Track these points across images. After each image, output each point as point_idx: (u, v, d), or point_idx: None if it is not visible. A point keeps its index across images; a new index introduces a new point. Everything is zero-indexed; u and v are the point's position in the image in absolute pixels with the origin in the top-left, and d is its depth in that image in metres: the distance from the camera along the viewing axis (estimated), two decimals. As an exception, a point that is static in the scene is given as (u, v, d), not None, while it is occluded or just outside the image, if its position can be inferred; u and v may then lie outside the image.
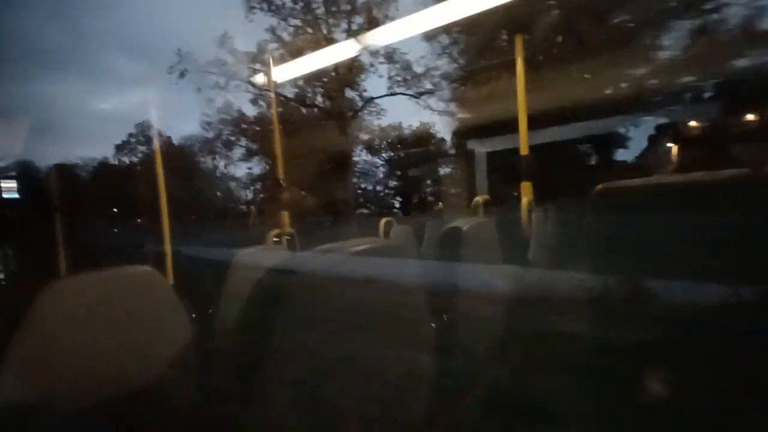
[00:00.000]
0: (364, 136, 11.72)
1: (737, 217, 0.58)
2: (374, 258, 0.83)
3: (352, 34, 9.82)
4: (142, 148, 12.94)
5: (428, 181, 11.71)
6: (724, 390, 0.57)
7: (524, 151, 2.38)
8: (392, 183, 12.71)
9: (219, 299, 1.28)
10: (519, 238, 2.18)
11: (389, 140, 12.02)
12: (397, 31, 2.52)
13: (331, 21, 10.27)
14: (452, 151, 10.37)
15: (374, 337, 0.76)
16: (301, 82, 10.65)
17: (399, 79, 10.58)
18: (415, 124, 11.53)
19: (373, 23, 9.54)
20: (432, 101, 10.38)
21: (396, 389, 0.80)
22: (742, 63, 5.78)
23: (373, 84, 11.41)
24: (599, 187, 0.73)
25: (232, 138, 12.08)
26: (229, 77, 10.60)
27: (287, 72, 2.93)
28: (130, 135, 12.86)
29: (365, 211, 11.98)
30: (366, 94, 11.14)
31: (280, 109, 10.48)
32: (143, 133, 12.67)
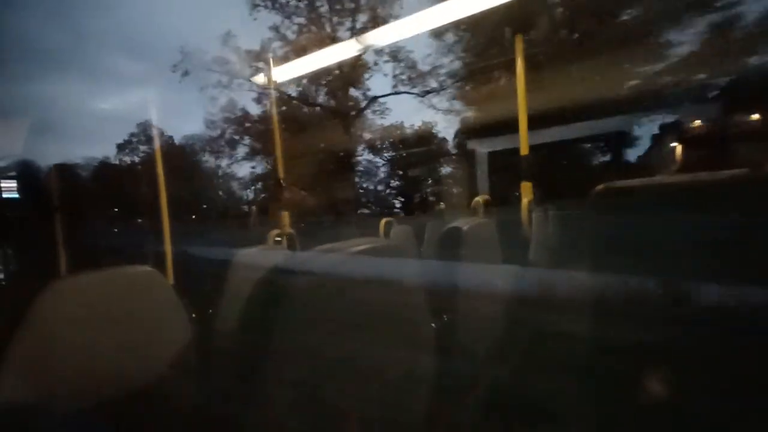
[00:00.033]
0: (366, 136, 11.69)
1: (738, 217, 0.58)
2: (374, 258, 0.83)
3: (355, 32, 9.80)
4: (142, 147, 12.95)
5: (429, 181, 11.70)
6: (724, 390, 0.56)
7: (524, 151, 2.38)
8: (393, 183, 12.69)
9: (219, 299, 1.28)
10: (519, 238, 2.18)
11: (390, 140, 12.00)
12: (398, 30, 2.51)
13: (335, 19, 10.23)
14: (454, 151, 10.35)
15: (374, 337, 0.76)
16: (303, 81, 10.63)
17: (403, 78, 10.56)
18: (417, 124, 11.53)
19: (375, 22, 9.51)
20: (434, 100, 10.36)
21: (396, 389, 0.80)
22: (746, 62, 5.78)
23: (375, 83, 11.38)
24: (599, 187, 0.73)
25: (234, 137, 12.08)
26: (231, 76, 10.60)
27: (288, 71, 2.93)
28: (132, 135, 12.87)
29: (366, 211, 11.95)
30: (367, 93, 11.12)
31: (283, 108, 10.48)
32: (143, 132, 12.69)
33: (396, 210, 12.06)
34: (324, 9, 10.22)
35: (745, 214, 0.58)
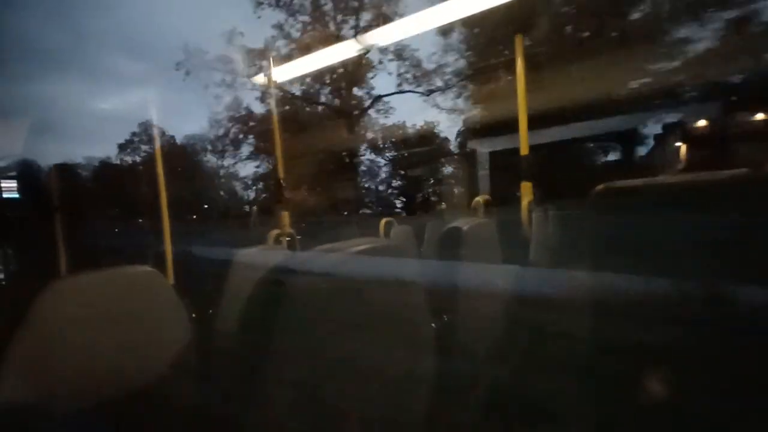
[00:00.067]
0: (369, 135, 11.65)
1: (739, 217, 0.58)
2: (374, 258, 0.82)
3: (358, 30, 9.74)
4: (142, 147, 12.96)
5: (431, 181, 11.66)
6: (724, 390, 0.56)
7: (524, 151, 2.38)
8: (395, 182, 12.66)
9: (219, 299, 1.28)
10: (519, 238, 2.17)
11: (392, 139, 11.96)
12: (400, 29, 2.51)
13: (338, 17, 10.18)
14: (457, 151, 10.31)
15: (374, 337, 0.76)
16: (305, 80, 10.59)
17: (407, 76, 10.50)
18: (420, 123, 11.49)
19: (378, 20, 9.46)
20: (437, 99, 10.31)
21: (396, 389, 0.80)
22: (752, 61, 5.76)
23: (378, 82, 11.32)
24: (600, 187, 0.73)
25: (235, 137, 12.07)
26: (232, 75, 10.59)
27: (290, 70, 2.93)
28: (132, 135, 12.87)
29: (369, 210, 11.90)
30: (372, 93, 11.07)
31: (285, 107, 10.46)
32: (143, 132, 12.69)
33: (398, 210, 12.02)
34: (328, 7, 10.19)
35: (746, 214, 0.58)
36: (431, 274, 1.18)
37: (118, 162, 13.04)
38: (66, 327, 0.78)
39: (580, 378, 0.74)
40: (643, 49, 6.64)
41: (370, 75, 10.89)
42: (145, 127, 12.39)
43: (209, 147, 12.74)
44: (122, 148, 13.07)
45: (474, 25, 8.10)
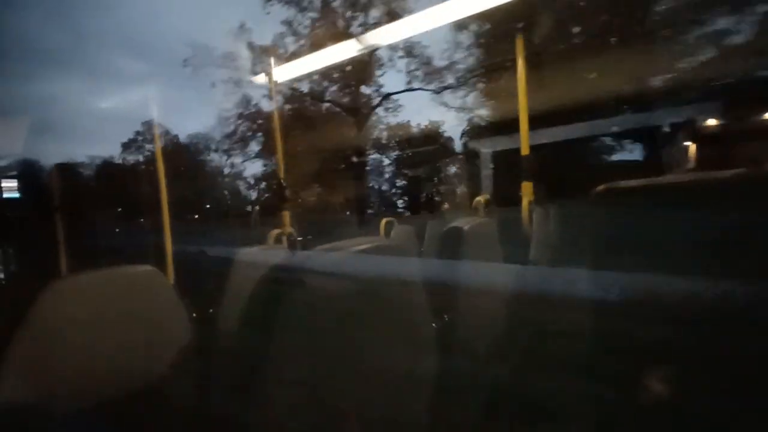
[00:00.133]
0: (374, 134, 11.59)
1: (741, 217, 0.57)
2: (374, 257, 0.82)
3: (367, 27, 9.65)
4: (143, 147, 12.97)
5: (436, 180, 11.62)
6: (725, 390, 0.56)
7: (525, 151, 2.38)
8: (400, 182, 12.62)
9: (219, 298, 1.27)
10: (519, 237, 2.17)
11: (398, 138, 11.91)
12: (406, 27, 2.52)
13: (347, 14, 10.08)
14: (466, 150, 10.24)
15: (374, 336, 0.76)
16: (307, 79, 10.52)
17: (417, 74, 10.42)
18: (428, 122, 11.43)
19: (384, 16, 9.35)
20: (445, 98, 10.24)
21: (396, 388, 0.80)
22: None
23: (385, 80, 11.22)
24: (601, 187, 0.73)
25: (237, 136, 12.05)
26: (235, 73, 10.55)
27: (292, 69, 2.93)
28: (133, 134, 12.88)
29: (375, 210, 11.82)
30: (378, 90, 10.97)
31: (287, 106, 10.42)
32: (144, 132, 12.70)
33: (405, 209, 11.97)
34: (337, 3, 10.10)
35: (748, 214, 0.57)
36: (431, 273, 1.18)
37: (119, 161, 13.06)
38: (66, 327, 0.78)
39: (582, 377, 0.74)
40: (665, 45, 6.57)
41: (379, 73, 10.80)
42: (147, 126, 12.40)
43: (212, 146, 12.76)
44: (123, 147, 13.08)
45: (482, 22, 8.07)
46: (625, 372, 0.64)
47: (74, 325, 0.79)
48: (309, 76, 10.22)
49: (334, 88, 11.00)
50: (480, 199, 2.47)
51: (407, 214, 11.33)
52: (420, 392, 0.85)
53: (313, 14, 10.12)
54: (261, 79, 2.92)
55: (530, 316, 1.13)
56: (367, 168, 11.91)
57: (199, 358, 0.98)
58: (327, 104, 11.19)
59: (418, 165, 11.65)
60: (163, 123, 12.93)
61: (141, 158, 12.88)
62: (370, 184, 12.28)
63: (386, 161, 12.34)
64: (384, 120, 11.54)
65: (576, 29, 7.55)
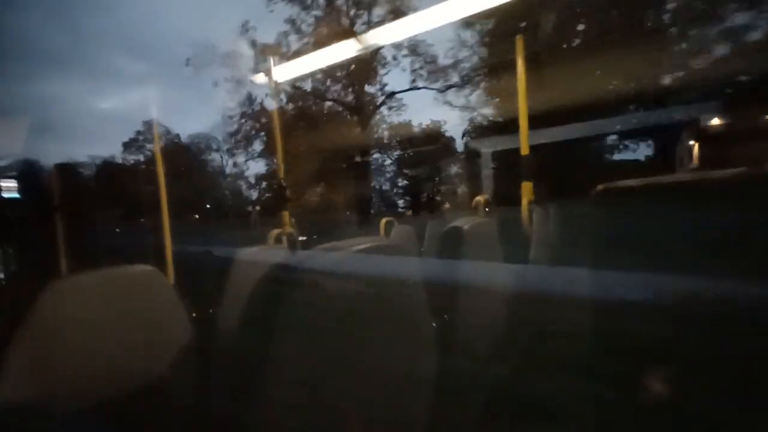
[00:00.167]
0: (374, 134, 11.53)
1: (741, 217, 0.57)
2: (375, 257, 0.82)
3: (368, 26, 9.61)
4: (143, 146, 12.96)
5: (440, 180, 11.57)
6: (725, 390, 0.56)
7: (525, 151, 2.38)
8: (403, 181, 12.56)
9: (219, 298, 1.27)
10: (519, 237, 2.17)
11: (399, 138, 11.86)
12: (409, 26, 2.51)
13: (351, 12, 10.01)
14: (466, 151, 10.19)
15: (374, 336, 0.76)
16: (315, 76, 10.46)
17: (421, 72, 10.36)
18: (436, 122, 11.38)
19: (389, 16, 9.30)
20: (451, 98, 10.19)
21: (397, 388, 0.80)
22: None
23: (388, 78, 11.15)
24: (600, 187, 0.73)
25: (239, 136, 12.03)
26: (236, 72, 10.51)
27: (297, 67, 2.92)
28: (136, 133, 12.88)
29: (378, 210, 11.75)
30: (382, 89, 10.90)
31: (297, 104, 10.36)
32: (145, 131, 12.70)
33: (407, 209, 11.92)
34: (340, 1, 10.05)
35: (748, 214, 0.57)
36: (431, 273, 1.18)
37: (119, 161, 13.06)
38: (66, 327, 0.78)
39: (582, 377, 0.74)
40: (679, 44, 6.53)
41: (383, 71, 10.75)
42: (147, 126, 12.40)
43: (212, 146, 12.74)
44: (123, 147, 13.09)
45: (486, 20, 8.04)
46: (624, 372, 0.64)
47: (74, 325, 0.79)
48: (311, 75, 10.20)
49: (336, 87, 10.97)
50: (480, 199, 2.47)
51: (413, 213, 11.27)
52: (420, 392, 0.85)
53: (317, 12, 10.08)
54: (261, 78, 2.91)
55: (530, 316, 1.13)
56: (371, 167, 11.88)
57: (199, 358, 0.98)
58: (329, 103, 11.16)
59: (424, 164, 11.60)
60: (163, 123, 12.94)
61: (141, 158, 12.89)
62: (375, 184, 12.25)
63: (390, 160, 12.31)
64: (387, 119, 11.51)
65: (581, 27, 7.53)
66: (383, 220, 3.45)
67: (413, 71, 10.39)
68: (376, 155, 12.03)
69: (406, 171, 12.18)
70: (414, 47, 10.11)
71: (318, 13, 10.08)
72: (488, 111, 9.45)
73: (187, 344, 0.98)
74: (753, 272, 0.54)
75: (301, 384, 0.67)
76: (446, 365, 0.91)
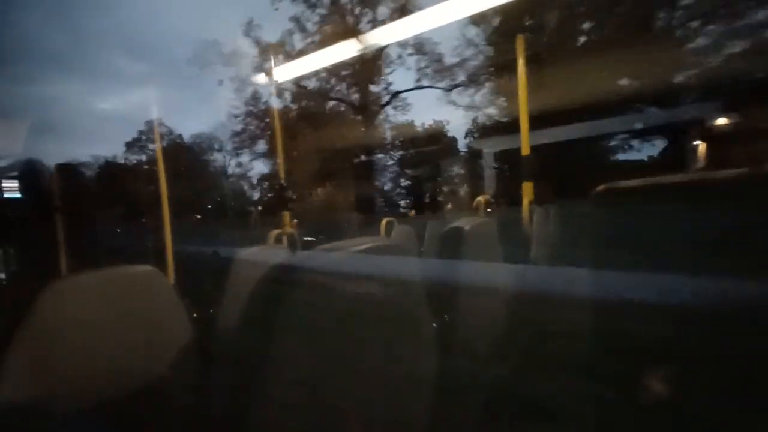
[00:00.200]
0: (379, 134, 11.46)
1: (742, 217, 0.57)
2: (375, 257, 0.82)
3: (373, 24, 9.54)
4: (144, 146, 12.97)
5: (448, 180, 11.52)
6: (726, 390, 0.56)
7: (525, 151, 2.38)
8: (411, 182, 12.50)
9: (220, 298, 1.27)
10: (519, 237, 2.17)
11: (403, 138, 11.81)
12: (413, 25, 2.51)
13: (356, 10, 9.93)
14: (475, 150, 10.13)
15: (374, 336, 0.76)
16: (311, 77, 10.42)
17: (427, 71, 10.30)
18: (436, 121, 11.33)
19: (394, 15, 9.22)
20: (467, 98, 10.13)
21: (397, 388, 0.80)
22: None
23: (393, 78, 11.07)
24: (600, 187, 0.72)
25: (239, 136, 12.01)
26: (238, 72, 10.47)
27: (294, 68, 2.93)
28: (139, 133, 12.88)
29: (387, 209, 11.66)
30: (387, 88, 10.83)
31: (299, 103, 10.31)
32: (147, 131, 12.71)
33: (415, 209, 11.83)
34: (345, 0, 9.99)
35: (749, 214, 0.57)
36: (431, 272, 1.18)
37: (120, 161, 13.07)
38: (66, 327, 0.78)
39: (582, 377, 0.74)
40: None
41: (387, 70, 10.68)
42: (148, 126, 12.41)
43: (214, 146, 12.74)
44: (125, 147, 13.09)
45: (491, 18, 8.01)
46: (624, 372, 0.64)
47: (74, 325, 0.79)
48: (316, 73, 10.16)
49: (340, 86, 10.92)
50: (480, 199, 2.47)
51: (421, 213, 11.18)
52: (420, 392, 0.85)
53: (321, 11, 10.02)
54: (262, 78, 2.91)
55: (530, 316, 1.13)
56: (378, 167, 11.84)
57: (199, 358, 0.98)
58: (332, 103, 11.11)
59: (432, 163, 11.54)
60: (164, 123, 12.94)
61: (142, 158, 12.90)
62: (381, 184, 12.21)
63: (397, 160, 12.26)
64: (392, 118, 11.45)
65: (588, 25, 7.49)
66: (384, 220, 3.45)
67: (418, 70, 10.34)
68: (383, 154, 11.98)
69: (412, 171, 12.13)
70: (419, 46, 10.07)
71: (323, 11, 10.02)
72: (493, 111, 9.43)
73: (187, 344, 0.98)
74: (753, 272, 0.54)
75: (301, 384, 0.67)
76: (446, 365, 0.91)
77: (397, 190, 12.64)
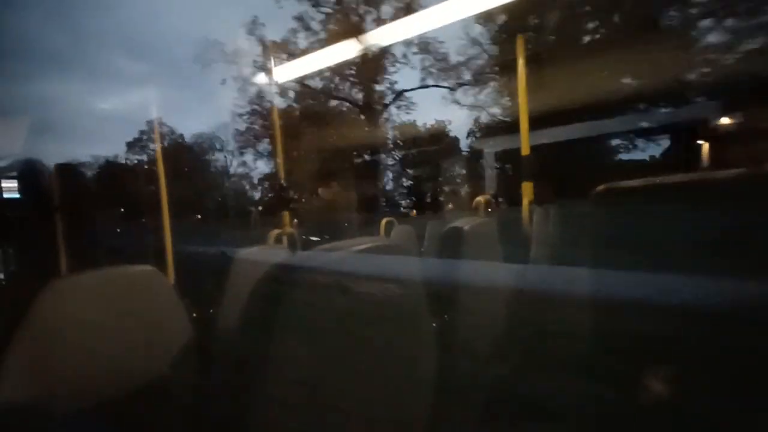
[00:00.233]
0: (383, 133, 11.40)
1: (742, 217, 0.57)
2: (375, 257, 0.82)
3: (377, 23, 9.47)
4: (143, 147, 12.97)
5: (452, 179, 11.48)
6: (726, 390, 0.56)
7: (525, 151, 2.38)
8: (416, 181, 12.45)
9: (220, 298, 1.27)
10: (519, 237, 2.17)
11: (411, 137, 11.76)
12: (417, 23, 2.51)
13: (361, 9, 9.84)
14: (483, 150, 10.07)
15: (373, 336, 0.76)
16: (314, 77, 10.35)
17: (432, 71, 10.26)
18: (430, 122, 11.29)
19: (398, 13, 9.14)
20: (453, 97, 10.10)
21: (397, 388, 0.80)
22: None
23: (397, 77, 10.98)
24: (600, 187, 0.73)
25: (239, 136, 11.97)
26: (238, 72, 10.41)
27: (296, 67, 2.93)
28: (140, 133, 12.87)
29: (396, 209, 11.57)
30: (391, 86, 10.76)
31: (301, 103, 10.24)
32: (144, 131, 12.71)
33: (424, 209, 11.78)
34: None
35: (749, 214, 0.57)
36: (432, 272, 1.18)
37: (120, 161, 13.07)
38: (66, 327, 0.78)
39: (582, 377, 0.74)
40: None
41: (392, 69, 10.61)
42: (148, 126, 12.40)
43: (215, 145, 12.71)
44: (124, 147, 13.08)
45: (494, 17, 7.98)
46: (625, 372, 0.64)
47: (74, 325, 0.79)
48: (320, 73, 10.10)
49: (344, 85, 10.86)
50: (480, 199, 2.47)
51: (431, 212, 11.11)
52: (420, 392, 0.85)
53: (326, 9, 9.93)
54: (263, 77, 2.91)
55: (529, 316, 1.13)
56: (384, 166, 11.78)
57: (199, 358, 0.98)
58: (339, 102, 11.05)
59: (441, 163, 11.48)
60: (165, 123, 12.92)
61: (141, 158, 12.89)
62: (387, 183, 12.15)
63: (405, 158, 12.19)
64: (397, 117, 11.40)
65: (596, 24, 7.46)
66: (383, 220, 3.45)
67: (423, 69, 10.29)
68: (388, 154, 11.93)
69: (422, 170, 12.09)
70: (423, 45, 10.02)
71: (327, 9, 9.93)
72: (496, 110, 9.41)
73: (187, 344, 0.98)
74: (753, 272, 0.54)
75: (301, 384, 0.66)
76: (446, 365, 0.91)
77: (401, 190, 12.60)
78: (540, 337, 1.09)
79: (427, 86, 10.46)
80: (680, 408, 0.61)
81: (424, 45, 10.01)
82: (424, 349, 0.90)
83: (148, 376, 0.89)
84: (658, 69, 6.57)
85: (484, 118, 9.93)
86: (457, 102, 10.14)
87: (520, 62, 2.38)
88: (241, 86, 10.67)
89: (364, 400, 0.73)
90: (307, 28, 9.87)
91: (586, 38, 7.50)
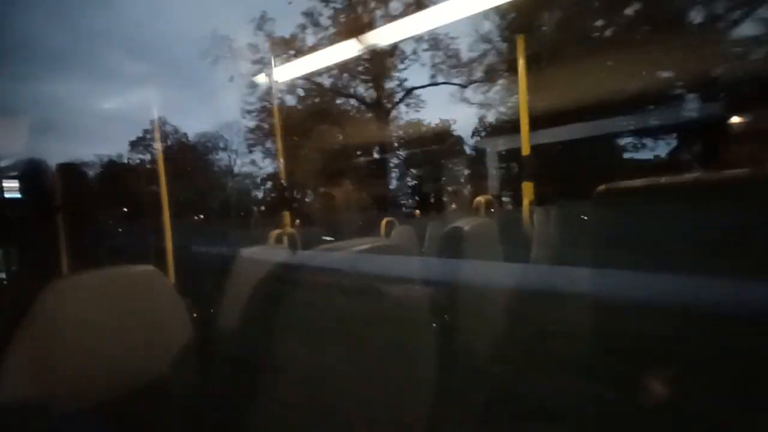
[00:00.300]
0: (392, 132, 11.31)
1: (742, 217, 0.57)
2: (376, 257, 0.82)
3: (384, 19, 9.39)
4: (145, 147, 12.97)
5: (464, 177, 11.40)
6: (726, 390, 0.56)
7: (525, 151, 2.38)
8: (429, 180, 12.35)
9: (220, 298, 1.27)
10: (520, 237, 2.17)
11: (422, 136, 11.67)
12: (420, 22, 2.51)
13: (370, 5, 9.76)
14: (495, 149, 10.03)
15: (373, 336, 0.76)
16: (319, 75, 10.27)
17: (442, 67, 10.20)
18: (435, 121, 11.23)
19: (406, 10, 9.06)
20: (462, 95, 10.04)
21: (397, 388, 0.80)
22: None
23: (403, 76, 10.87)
24: (601, 187, 0.72)
25: (240, 136, 11.92)
26: (240, 71, 10.36)
27: (296, 67, 2.93)
28: (144, 131, 12.86)
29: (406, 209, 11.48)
30: (401, 84, 10.70)
31: (314, 100, 10.17)
32: (144, 131, 12.71)
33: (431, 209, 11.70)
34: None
35: (749, 214, 0.57)
36: (432, 272, 1.18)
37: (121, 161, 13.09)
38: (66, 327, 0.78)
39: (582, 377, 0.74)
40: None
41: (402, 66, 10.51)
42: (148, 126, 12.41)
43: (218, 145, 12.70)
44: (126, 146, 13.10)
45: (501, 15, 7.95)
46: (625, 372, 0.64)
47: (74, 325, 0.79)
48: (327, 69, 10.03)
49: (353, 82, 10.78)
50: (480, 199, 2.46)
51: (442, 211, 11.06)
52: (420, 392, 0.85)
53: (335, 4, 9.84)
54: (273, 75, 2.90)
55: (530, 316, 1.13)
56: (395, 165, 11.69)
57: (199, 358, 0.98)
58: (348, 99, 10.96)
59: (454, 161, 11.39)
60: (168, 122, 12.91)
61: (143, 158, 12.90)
62: (401, 183, 12.07)
63: (418, 158, 12.09)
64: (406, 116, 11.30)
65: (605, 21, 7.42)
66: (383, 221, 3.45)
67: (433, 66, 10.19)
68: (401, 152, 11.84)
69: (434, 169, 11.98)
70: (433, 41, 9.94)
71: (337, 5, 9.82)
72: (503, 109, 9.34)
73: (187, 344, 0.98)
74: (753, 272, 0.54)
75: (301, 384, 0.67)
76: (446, 365, 0.91)
77: (410, 189, 12.51)
78: (540, 337, 1.09)
79: (437, 84, 10.39)
80: (680, 408, 0.61)
81: (433, 42, 9.95)
82: (424, 349, 0.90)
83: (148, 376, 0.89)
84: (658, 69, 6.56)
85: (491, 117, 9.89)
86: (466, 100, 10.08)
87: (521, 62, 2.38)
88: (250, 83, 10.60)
89: (365, 400, 0.73)
90: (316, 24, 9.83)
91: (587, 37, 7.47)
